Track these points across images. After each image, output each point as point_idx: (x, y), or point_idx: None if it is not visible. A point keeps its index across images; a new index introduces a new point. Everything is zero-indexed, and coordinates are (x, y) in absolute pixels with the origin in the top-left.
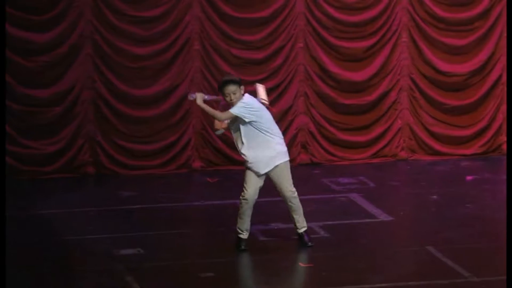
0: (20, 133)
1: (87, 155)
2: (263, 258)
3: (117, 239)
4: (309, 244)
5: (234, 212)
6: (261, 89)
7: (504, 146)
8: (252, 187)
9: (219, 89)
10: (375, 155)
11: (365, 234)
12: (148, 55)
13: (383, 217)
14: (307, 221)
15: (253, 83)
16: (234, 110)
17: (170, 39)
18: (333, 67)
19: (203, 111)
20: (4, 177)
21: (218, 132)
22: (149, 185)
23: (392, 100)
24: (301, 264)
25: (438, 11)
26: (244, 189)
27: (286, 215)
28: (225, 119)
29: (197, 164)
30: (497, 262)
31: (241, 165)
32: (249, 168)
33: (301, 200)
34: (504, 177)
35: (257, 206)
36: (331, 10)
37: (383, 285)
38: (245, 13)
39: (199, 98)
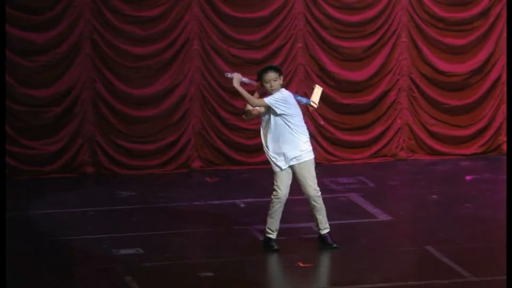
0: (19, 133)
1: (87, 155)
2: (263, 257)
3: (117, 239)
4: (334, 245)
5: (234, 211)
6: (316, 92)
7: (504, 146)
8: (284, 186)
9: (259, 75)
10: (374, 155)
11: (365, 234)
12: (147, 55)
13: (382, 217)
14: (306, 221)
15: None
16: (268, 99)
17: (169, 39)
18: (332, 67)
19: (237, 93)
20: (4, 177)
21: (247, 118)
22: (148, 185)
23: (391, 100)
24: (300, 264)
25: (438, 11)
26: (276, 188)
27: (286, 215)
28: (257, 106)
29: (196, 164)
30: (496, 261)
31: (240, 165)
32: (274, 168)
33: (300, 200)
34: (504, 176)
35: (258, 206)
36: (330, 10)
37: (382, 284)
38: (245, 13)
39: (237, 80)
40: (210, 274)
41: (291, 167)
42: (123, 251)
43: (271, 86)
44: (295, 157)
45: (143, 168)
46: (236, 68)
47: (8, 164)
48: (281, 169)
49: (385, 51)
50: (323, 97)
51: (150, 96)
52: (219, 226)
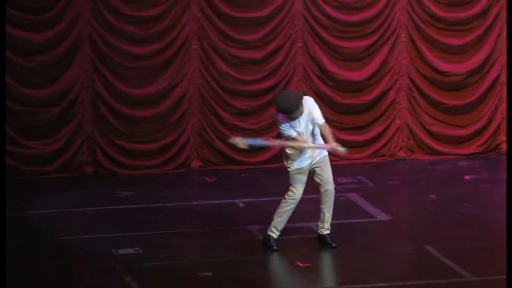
0: (19, 133)
1: (86, 155)
2: (261, 257)
3: (116, 239)
4: (333, 245)
5: (233, 211)
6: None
7: (503, 146)
8: (301, 187)
9: (291, 111)
10: (373, 155)
11: (364, 234)
12: (146, 54)
13: (381, 216)
14: (306, 221)
15: (251, 82)
16: (322, 119)
17: (168, 38)
18: (331, 67)
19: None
20: (4, 177)
21: (297, 152)
22: (147, 184)
23: (390, 100)
24: (299, 264)
25: (437, 11)
26: (293, 190)
27: None
28: (324, 129)
29: (195, 163)
30: (495, 261)
31: (239, 165)
32: (292, 170)
33: (301, 200)
34: (503, 176)
35: (257, 205)
36: (329, 10)
37: (382, 284)
38: (244, 13)
39: (278, 144)
40: (209, 273)
41: (311, 166)
42: (122, 251)
43: (301, 112)
44: (318, 154)
45: (142, 168)
46: (235, 67)
47: (7, 164)
48: (303, 168)
49: (384, 51)
50: (322, 97)
51: (149, 96)
52: (218, 226)
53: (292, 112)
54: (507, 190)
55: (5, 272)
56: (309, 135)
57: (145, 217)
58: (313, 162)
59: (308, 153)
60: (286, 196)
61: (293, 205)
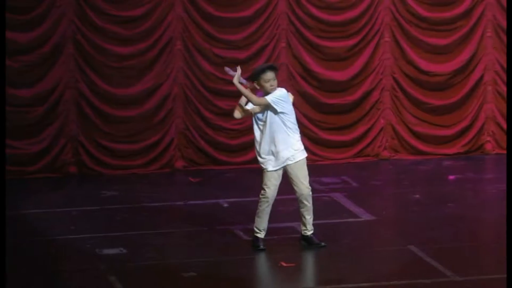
0: None
1: (70, 155)
2: (246, 257)
3: (100, 239)
4: (322, 244)
5: (217, 211)
6: (232, 72)
7: (486, 146)
8: (273, 185)
9: (257, 74)
10: (357, 155)
11: (348, 234)
12: (130, 54)
13: (365, 216)
14: (290, 221)
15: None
16: (270, 98)
17: (152, 38)
18: (315, 67)
19: (238, 91)
20: (4, 177)
21: (238, 115)
22: (131, 184)
23: (374, 100)
24: (283, 264)
25: (421, 11)
26: (264, 188)
27: (270, 214)
28: (258, 105)
29: (179, 163)
30: (479, 261)
31: (223, 165)
32: (265, 169)
33: (284, 200)
34: (487, 176)
35: (241, 205)
36: (313, 10)
37: (366, 284)
38: (228, 13)
39: (237, 78)
40: (194, 273)
41: (284, 167)
42: (106, 251)
43: (271, 86)
44: (288, 157)
45: (126, 168)
46: (219, 68)
47: None
48: (272, 170)
49: (368, 51)
50: (306, 97)
51: (133, 96)
52: (202, 226)
53: (258, 74)
54: (507, 190)
55: (5, 272)
56: (273, 121)
57: (129, 217)
58: (283, 165)
59: (279, 155)
60: (260, 196)
61: (267, 204)
